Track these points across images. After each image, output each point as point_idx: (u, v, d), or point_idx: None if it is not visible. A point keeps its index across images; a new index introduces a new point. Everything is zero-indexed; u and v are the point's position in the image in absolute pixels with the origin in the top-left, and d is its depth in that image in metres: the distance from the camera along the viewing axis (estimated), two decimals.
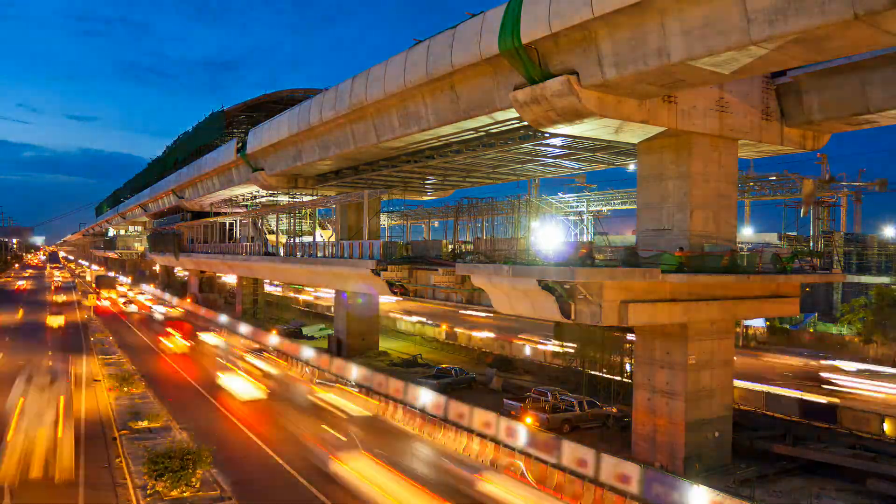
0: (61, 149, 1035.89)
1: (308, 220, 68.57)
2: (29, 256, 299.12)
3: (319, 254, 47.75)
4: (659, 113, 24.32)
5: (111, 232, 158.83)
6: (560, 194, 79.31)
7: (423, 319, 67.00)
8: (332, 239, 59.67)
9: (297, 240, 57.94)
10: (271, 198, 64.59)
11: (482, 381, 42.19)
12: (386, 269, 37.37)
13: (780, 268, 27.54)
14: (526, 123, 26.36)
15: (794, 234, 63.46)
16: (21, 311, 79.87)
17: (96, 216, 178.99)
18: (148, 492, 22.71)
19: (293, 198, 59.69)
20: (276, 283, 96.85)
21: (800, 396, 32.59)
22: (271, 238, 65.51)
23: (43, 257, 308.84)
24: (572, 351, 42.36)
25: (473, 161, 37.60)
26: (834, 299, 65.93)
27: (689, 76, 20.93)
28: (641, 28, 19.85)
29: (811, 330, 58.24)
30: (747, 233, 69.50)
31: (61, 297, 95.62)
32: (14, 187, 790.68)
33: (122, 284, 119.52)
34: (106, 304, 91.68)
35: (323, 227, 73.69)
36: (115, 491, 23.52)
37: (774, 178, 61.47)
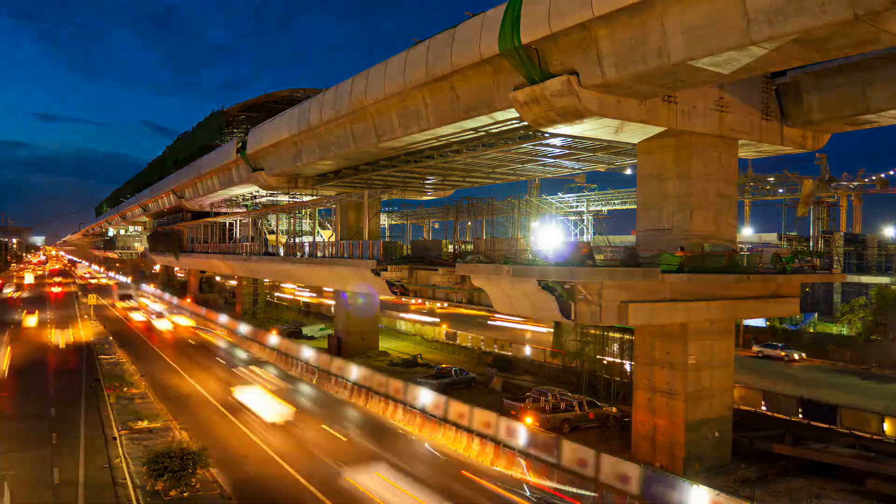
0: (55, 148, 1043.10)
1: (308, 220, 68.51)
2: (29, 257, 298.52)
3: (319, 254, 47.73)
4: (659, 113, 24.31)
5: (111, 232, 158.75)
6: (560, 194, 79.25)
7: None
8: (332, 239, 59.65)
9: (297, 240, 57.93)
10: (271, 198, 64.56)
11: (482, 381, 42.18)
12: (386, 269, 37.35)
13: (780, 268, 27.53)
14: (526, 123, 26.35)
15: (794, 234, 63.47)
16: None
17: (96, 216, 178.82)
18: (147, 490, 22.74)
19: (293, 198, 59.65)
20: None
21: (800, 396, 32.53)
22: (271, 238, 65.45)
23: (43, 257, 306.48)
24: (573, 351, 42.24)
25: (473, 161, 37.59)
26: (834, 299, 65.89)
27: (689, 76, 20.92)
28: (642, 28, 19.84)
29: (811, 330, 58.22)
30: (747, 233, 69.50)
31: None
32: (11, 187, 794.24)
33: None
34: None
35: (323, 227, 73.63)
36: (115, 491, 23.54)
37: (773, 178, 61.50)
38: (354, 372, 40.94)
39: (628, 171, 47.66)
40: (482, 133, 30.67)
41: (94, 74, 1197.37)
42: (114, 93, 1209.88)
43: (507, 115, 26.85)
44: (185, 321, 73.33)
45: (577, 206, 78.39)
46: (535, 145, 31.91)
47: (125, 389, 38.38)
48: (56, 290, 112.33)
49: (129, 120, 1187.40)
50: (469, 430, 29.42)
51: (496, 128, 29.47)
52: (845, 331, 55.73)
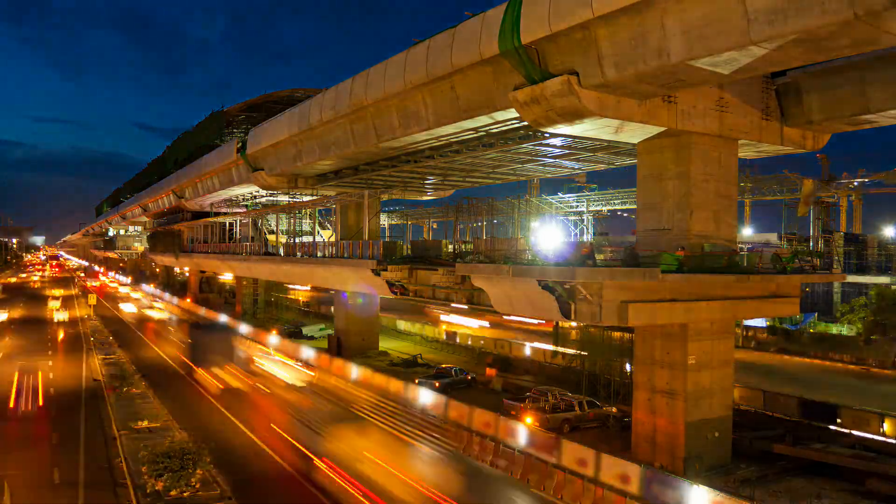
0: (51, 147, 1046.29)
1: (308, 220, 68.53)
2: (29, 257, 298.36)
3: (319, 254, 47.73)
4: (659, 113, 24.31)
5: (111, 232, 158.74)
6: (560, 194, 79.36)
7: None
8: (332, 239, 59.66)
9: (297, 240, 57.94)
10: (271, 198, 64.57)
11: (482, 381, 42.18)
12: (386, 269, 37.35)
13: (780, 268, 27.53)
14: (526, 123, 26.34)
15: (795, 234, 63.49)
16: None
17: (96, 216, 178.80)
18: (147, 491, 22.73)
19: (293, 198, 59.66)
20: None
21: (800, 396, 32.53)
22: (271, 238, 65.50)
23: (43, 257, 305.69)
24: (572, 351, 42.33)
25: (473, 161, 37.58)
26: (834, 299, 65.84)
27: (689, 76, 20.92)
28: (642, 28, 19.84)
29: (811, 330, 58.17)
30: (747, 233, 69.49)
31: None
32: (11, 187, 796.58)
33: None
34: None
35: (323, 227, 73.65)
36: (115, 491, 23.55)
37: (774, 187, 61.59)
38: (355, 371, 41.00)
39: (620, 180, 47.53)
40: (482, 133, 30.65)
41: (82, 76, 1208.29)
42: (103, 94, 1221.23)
43: (507, 115, 26.83)
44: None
45: (577, 206, 78.50)
46: (535, 145, 31.90)
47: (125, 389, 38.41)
48: None
49: (120, 120, 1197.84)
50: (469, 430, 29.41)
51: (496, 128, 29.46)
52: (845, 331, 55.68)
